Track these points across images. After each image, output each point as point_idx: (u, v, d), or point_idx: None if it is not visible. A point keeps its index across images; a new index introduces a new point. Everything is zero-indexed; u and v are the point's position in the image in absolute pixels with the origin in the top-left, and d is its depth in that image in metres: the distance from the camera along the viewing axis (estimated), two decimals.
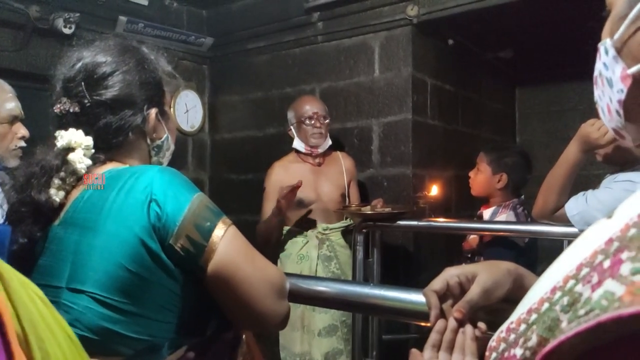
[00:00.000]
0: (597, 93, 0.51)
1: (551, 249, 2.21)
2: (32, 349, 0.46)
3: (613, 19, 0.47)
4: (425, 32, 2.67)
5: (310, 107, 2.34)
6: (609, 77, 0.48)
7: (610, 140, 1.45)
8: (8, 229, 0.78)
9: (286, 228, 2.38)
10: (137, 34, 2.74)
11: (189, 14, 3.23)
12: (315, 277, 1.98)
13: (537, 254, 2.20)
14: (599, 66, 0.50)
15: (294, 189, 2.11)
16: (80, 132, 0.86)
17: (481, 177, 2.24)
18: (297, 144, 2.37)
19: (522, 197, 2.25)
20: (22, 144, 1.63)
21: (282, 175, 2.35)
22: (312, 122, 2.31)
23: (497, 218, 2.17)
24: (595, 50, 0.50)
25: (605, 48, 0.48)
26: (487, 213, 2.22)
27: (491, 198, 2.24)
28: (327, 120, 2.36)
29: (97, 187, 0.83)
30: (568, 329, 0.36)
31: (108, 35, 0.97)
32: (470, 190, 2.32)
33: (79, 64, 0.89)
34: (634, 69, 0.45)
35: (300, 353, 2.24)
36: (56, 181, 0.84)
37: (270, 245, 2.29)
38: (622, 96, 0.46)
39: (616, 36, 0.46)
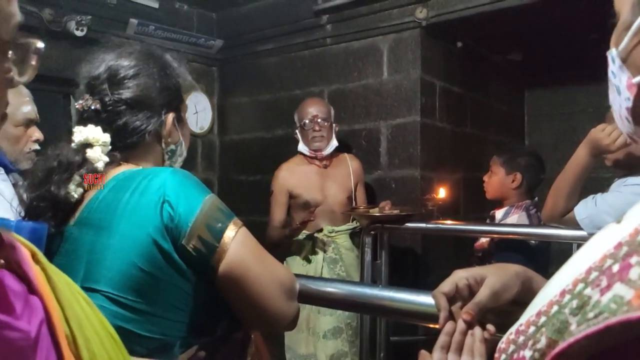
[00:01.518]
0: (611, 96, 0.52)
1: (560, 252, 2.20)
2: (80, 349, 0.47)
3: (619, 28, 0.48)
4: (434, 34, 2.67)
5: (311, 110, 2.34)
6: (617, 85, 0.48)
7: (621, 146, 1.44)
8: (45, 226, 0.79)
9: None
10: (147, 36, 2.77)
11: (199, 17, 3.26)
12: (324, 279, 1.99)
13: (549, 257, 2.20)
14: (609, 73, 0.50)
15: (309, 219, 2.16)
16: (99, 128, 0.88)
17: (495, 179, 2.25)
18: (302, 147, 2.38)
19: (536, 199, 2.24)
20: (37, 147, 1.65)
21: (288, 177, 2.36)
22: (312, 125, 2.31)
23: (509, 218, 2.17)
24: (604, 54, 0.51)
25: (612, 57, 0.48)
26: (499, 213, 2.23)
27: (506, 199, 2.24)
28: (328, 123, 2.34)
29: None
30: (577, 331, 0.36)
31: (134, 42, 1.00)
32: (485, 194, 2.32)
33: (104, 65, 0.92)
34: (639, 79, 0.45)
35: (305, 355, 2.25)
36: (77, 178, 0.85)
37: (277, 251, 2.31)
38: (630, 104, 0.47)
39: (621, 47, 0.47)
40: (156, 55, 0.96)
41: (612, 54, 0.48)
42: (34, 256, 0.48)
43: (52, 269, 0.49)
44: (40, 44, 0.47)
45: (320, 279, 1.95)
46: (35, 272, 0.46)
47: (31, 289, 0.45)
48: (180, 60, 1.01)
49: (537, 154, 2.34)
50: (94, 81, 0.91)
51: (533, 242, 2.11)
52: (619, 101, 0.48)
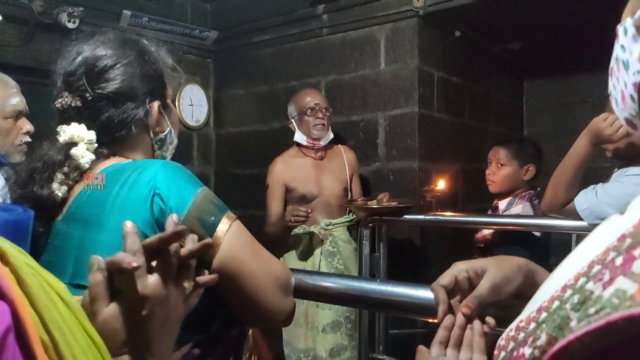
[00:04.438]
0: (611, 83, 0.50)
1: (560, 242, 2.19)
2: (64, 356, 0.45)
3: None
4: (432, 23, 2.64)
5: (312, 98, 2.33)
6: (626, 59, 0.46)
7: (623, 136, 1.43)
8: (31, 213, 0.75)
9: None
10: (141, 28, 2.74)
11: (193, 8, 3.22)
12: (321, 273, 1.98)
13: (549, 248, 2.19)
14: (616, 50, 0.48)
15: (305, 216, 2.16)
16: (83, 126, 0.86)
17: (506, 172, 2.21)
18: (299, 137, 2.35)
19: (538, 189, 2.23)
20: (27, 139, 1.64)
21: (284, 170, 2.35)
22: (315, 113, 2.29)
23: (513, 209, 2.16)
24: (605, 42, 0.49)
25: (625, 28, 0.46)
26: (502, 204, 2.22)
27: (514, 191, 2.22)
28: (329, 112, 2.35)
29: (96, 187, 0.82)
30: (578, 328, 0.35)
31: (107, 29, 0.96)
32: (490, 188, 2.28)
33: (79, 58, 0.89)
34: None
35: (304, 349, 2.24)
36: (59, 176, 0.83)
37: (275, 246, 2.29)
38: (638, 78, 0.45)
39: (637, 14, 0.45)
40: (132, 42, 0.93)
41: (626, 23, 0.46)
42: (2, 257, 0.45)
43: (24, 269, 0.46)
44: None
45: (317, 273, 1.94)
46: (3, 274, 0.43)
47: None
48: (157, 43, 0.98)
49: (535, 142, 2.34)
50: (70, 77, 0.88)
51: (539, 233, 2.10)
52: (625, 78, 0.46)
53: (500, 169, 2.23)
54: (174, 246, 0.60)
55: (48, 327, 0.45)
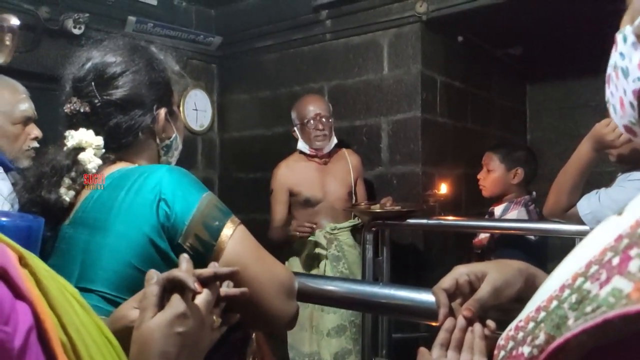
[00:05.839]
0: (609, 91, 0.50)
1: (562, 247, 2.19)
2: (82, 357, 0.46)
3: (635, 5, 0.47)
4: (435, 29, 2.66)
5: (314, 108, 2.31)
6: (625, 67, 0.47)
7: (625, 142, 1.43)
8: (42, 221, 0.76)
9: None
10: (146, 33, 2.76)
11: (197, 13, 3.25)
12: (324, 277, 1.99)
13: (546, 253, 2.19)
14: (614, 57, 0.48)
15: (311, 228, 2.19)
16: (91, 132, 0.87)
17: (495, 176, 2.23)
18: (301, 145, 2.35)
19: (534, 193, 2.24)
20: (35, 144, 1.65)
21: (288, 175, 2.35)
22: (315, 124, 2.29)
23: (509, 214, 2.16)
24: (607, 47, 0.49)
25: (624, 35, 0.47)
26: (498, 210, 2.22)
27: (505, 195, 2.23)
28: (330, 121, 2.33)
29: (97, 188, 0.83)
30: (575, 326, 0.36)
31: (117, 35, 0.97)
32: (482, 192, 2.30)
33: (89, 64, 0.90)
34: None
35: (309, 353, 2.24)
36: (67, 181, 0.84)
37: (280, 251, 2.30)
38: (638, 85, 0.45)
39: (637, 22, 0.45)
40: (141, 49, 0.94)
41: (626, 31, 0.46)
42: (21, 259, 0.46)
43: (42, 272, 0.46)
44: (14, 21, 0.45)
45: (320, 277, 1.94)
46: (22, 276, 0.44)
47: (18, 294, 0.42)
48: (165, 50, 0.99)
49: (529, 147, 2.36)
50: (80, 83, 0.89)
51: (533, 238, 2.10)
52: (624, 86, 0.47)
53: (489, 173, 2.25)
54: (217, 283, 0.67)
55: (66, 328, 0.45)
